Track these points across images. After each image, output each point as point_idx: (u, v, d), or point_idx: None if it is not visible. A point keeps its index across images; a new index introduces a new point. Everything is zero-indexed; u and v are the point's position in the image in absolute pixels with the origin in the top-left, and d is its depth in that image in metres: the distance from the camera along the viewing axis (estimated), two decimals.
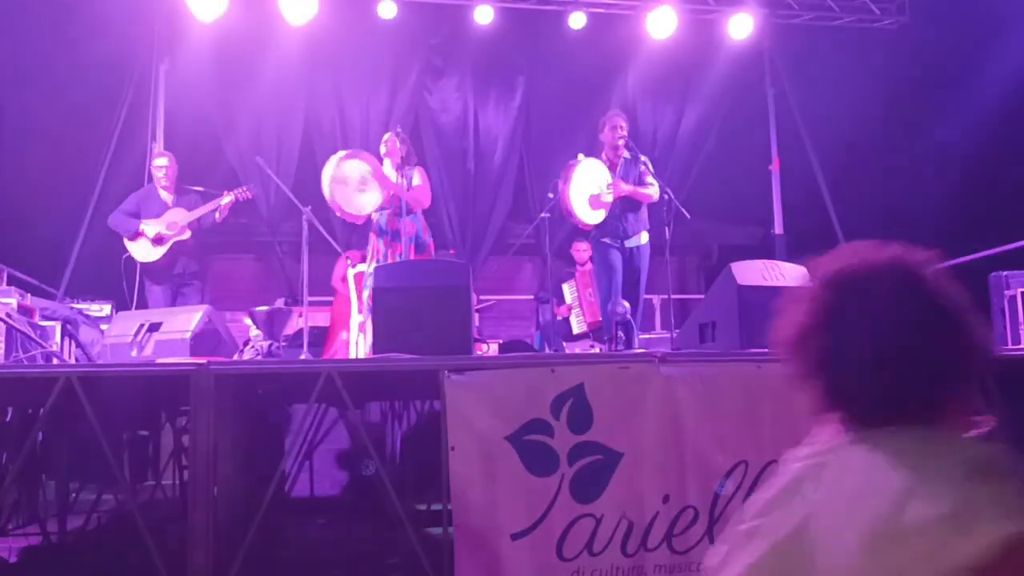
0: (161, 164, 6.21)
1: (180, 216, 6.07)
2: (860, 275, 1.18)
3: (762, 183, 8.95)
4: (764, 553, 1.14)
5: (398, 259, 5.48)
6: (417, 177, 5.75)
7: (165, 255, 6.05)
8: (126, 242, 6.11)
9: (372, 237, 5.76)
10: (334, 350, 6.34)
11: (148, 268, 6.09)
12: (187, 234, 6.07)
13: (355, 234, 8.41)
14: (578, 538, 3.22)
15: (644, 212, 5.69)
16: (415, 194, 5.68)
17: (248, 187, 6.24)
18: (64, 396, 3.26)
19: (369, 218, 5.74)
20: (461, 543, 3.15)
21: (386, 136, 5.89)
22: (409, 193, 5.60)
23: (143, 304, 6.05)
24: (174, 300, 6.06)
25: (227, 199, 6.06)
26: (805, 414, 1.42)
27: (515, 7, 8.57)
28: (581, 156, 5.62)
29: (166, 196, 6.19)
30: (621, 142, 5.66)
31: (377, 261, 5.59)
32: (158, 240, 6.01)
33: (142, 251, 6.05)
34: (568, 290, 7.47)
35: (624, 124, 5.73)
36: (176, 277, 6.12)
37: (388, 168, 5.72)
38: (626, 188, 5.53)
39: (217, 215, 6.16)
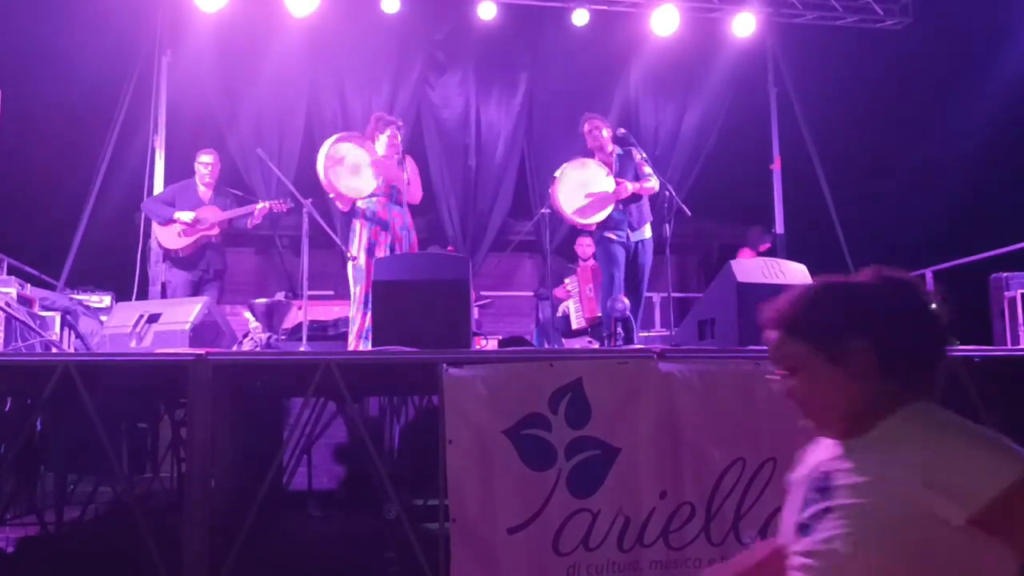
0: (207, 161, 6.26)
1: (212, 214, 6.13)
2: None
3: (763, 182, 8.95)
4: None
5: (386, 249, 5.38)
6: (409, 170, 5.68)
7: (191, 246, 6.11)
8: (155, 227, 6.19)
9: (357, 224, 5.53)
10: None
11: (175, 257, 6.16)
12: (215, 231, 6.13)
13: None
14: (574, 533, 3.22)
15: (646, 204, 5.69)
16: (411, 186, 5.60)
17: (284, 200, 6.23)
18: (62, 386, 3.26)
19: (354, 205, 5.56)
20: (457, 536, 3.15)
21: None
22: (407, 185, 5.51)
23: (163, 291, 6.10)
24: (196, 292, 6.08)
25: (261, 206, 6.08)
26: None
27: (518, 3, 8.55)
28: (564, 166, 5.63)
29: (204, 192, 6.25)
30: (607, 137, 5.66)
31: (364, 250, 5.45)
32: (188, 230, 6.05)
33: (170, 238, 6.11)
34: (571, 283, 7.49)
35: (600, 123, 5.71)
36: (201, 271, 6.17)
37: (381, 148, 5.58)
38: (632, 187, 5.53)
39: (249, 221, 6.21)
